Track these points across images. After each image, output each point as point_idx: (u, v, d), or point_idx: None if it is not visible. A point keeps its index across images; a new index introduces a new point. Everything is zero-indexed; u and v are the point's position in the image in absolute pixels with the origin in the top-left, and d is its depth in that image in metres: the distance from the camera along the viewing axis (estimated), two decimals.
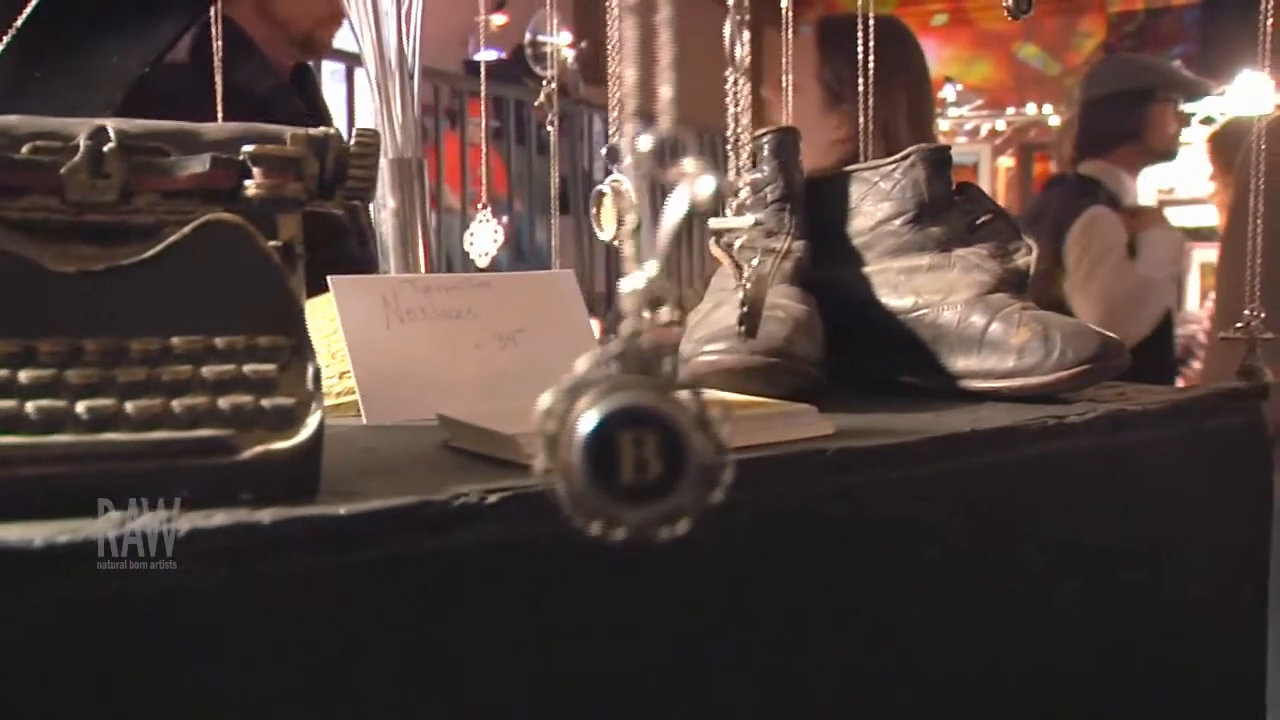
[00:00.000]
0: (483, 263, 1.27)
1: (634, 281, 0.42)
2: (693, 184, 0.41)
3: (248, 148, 0.69)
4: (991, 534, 0.81)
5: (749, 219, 0.76)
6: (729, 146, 0.76)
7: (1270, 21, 1.07)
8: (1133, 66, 3.38)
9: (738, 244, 0.73)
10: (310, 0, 1.89)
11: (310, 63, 2.02)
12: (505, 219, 4.34)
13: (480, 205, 1.28)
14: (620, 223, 0.81)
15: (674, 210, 0.42)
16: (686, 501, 0.42)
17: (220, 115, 1.21)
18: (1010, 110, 5.97)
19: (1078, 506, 0.86)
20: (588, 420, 0.42)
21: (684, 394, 0.42)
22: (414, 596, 0.58)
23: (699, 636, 0.68)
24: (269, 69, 1.90)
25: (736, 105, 0.75)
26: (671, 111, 0.41)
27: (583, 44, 4.26)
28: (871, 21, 1.25)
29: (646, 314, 0.43)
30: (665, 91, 0.41)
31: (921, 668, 0.79)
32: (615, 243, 0.84)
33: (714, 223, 0.77)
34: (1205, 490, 0.94)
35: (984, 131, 6.02)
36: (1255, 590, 0.99)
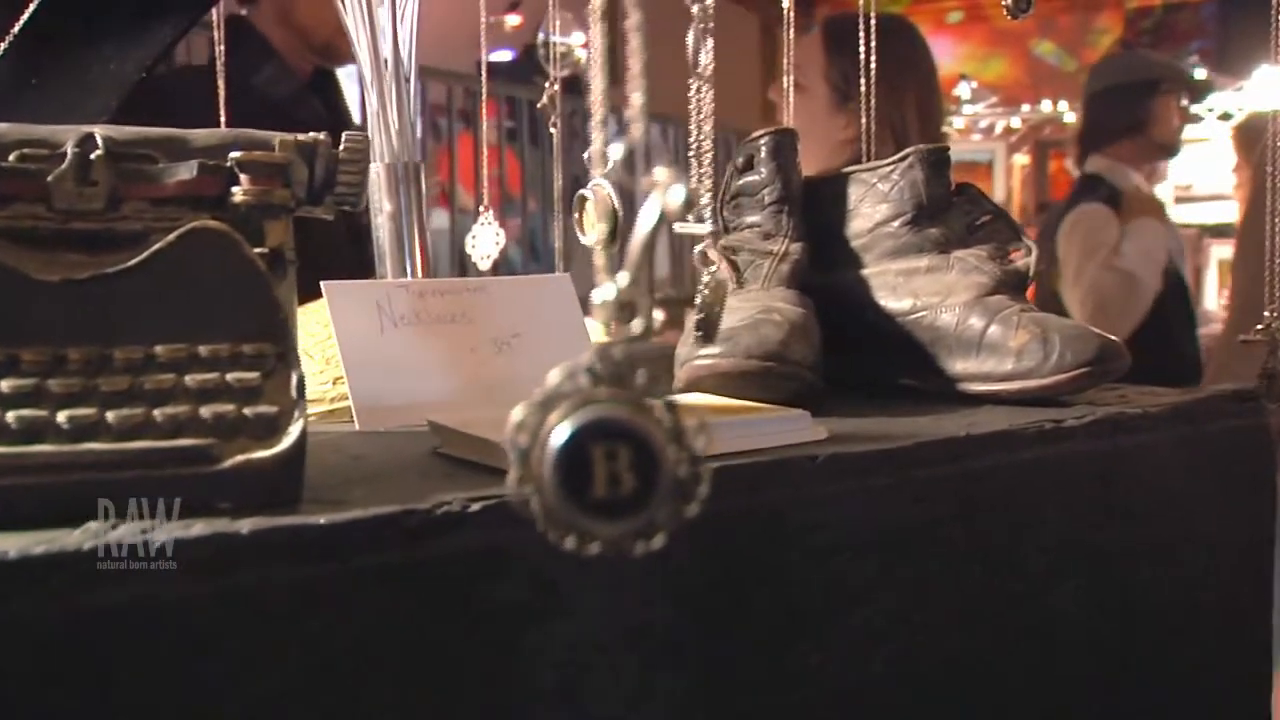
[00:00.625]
0: (485, 265, 1.27)
1: (605, 292, 0.42)
2: (664, 193, 0.41)
3: (235, 154, 0.69)
4: (990, 537, 0.81)
5: (708, 225, 0.76)
6: (691, 154, 0.76)
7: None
8: (1137, 60, 3.37)
9: (697, 249, 0.72)
10: (330, 9, 1.90)
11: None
12: (519, 220, 4.34)
13: (483, 207, 1.28)
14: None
15: (645, 220, 0.42)
16: (661, 516, 0.42)
17: (224, 119, 1.21)
18: (1025, 107, 5.94)
19: (1078, 509, 0.86)
20: (559, 434, 0.41)
21: (658, 406, 0.42)
22: (397, 606, 0.58)
23: (692, 640, 0.68)
24: (288, 73, 1.91)
25: (699, 113, 0.74)
26: (642, 118, 0.40)
27: None
28: (875, 21, 1.25)
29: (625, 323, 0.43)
30: (636, 99, 0.40)
31: (920, 669, 0.78)
32: (599, 248, 0.83)
33: (677, 227, 0.76)
34: (1207, 492, 0.93)
35: (999, 129, 5.99)
36: (1259, 592, 0.98)
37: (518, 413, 0.42)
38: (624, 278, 0.41)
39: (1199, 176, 5.00)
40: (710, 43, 0.67)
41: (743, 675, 0.70)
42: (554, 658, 0.63)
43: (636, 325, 0.42)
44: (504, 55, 4.63)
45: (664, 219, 0.41)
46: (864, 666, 0.75)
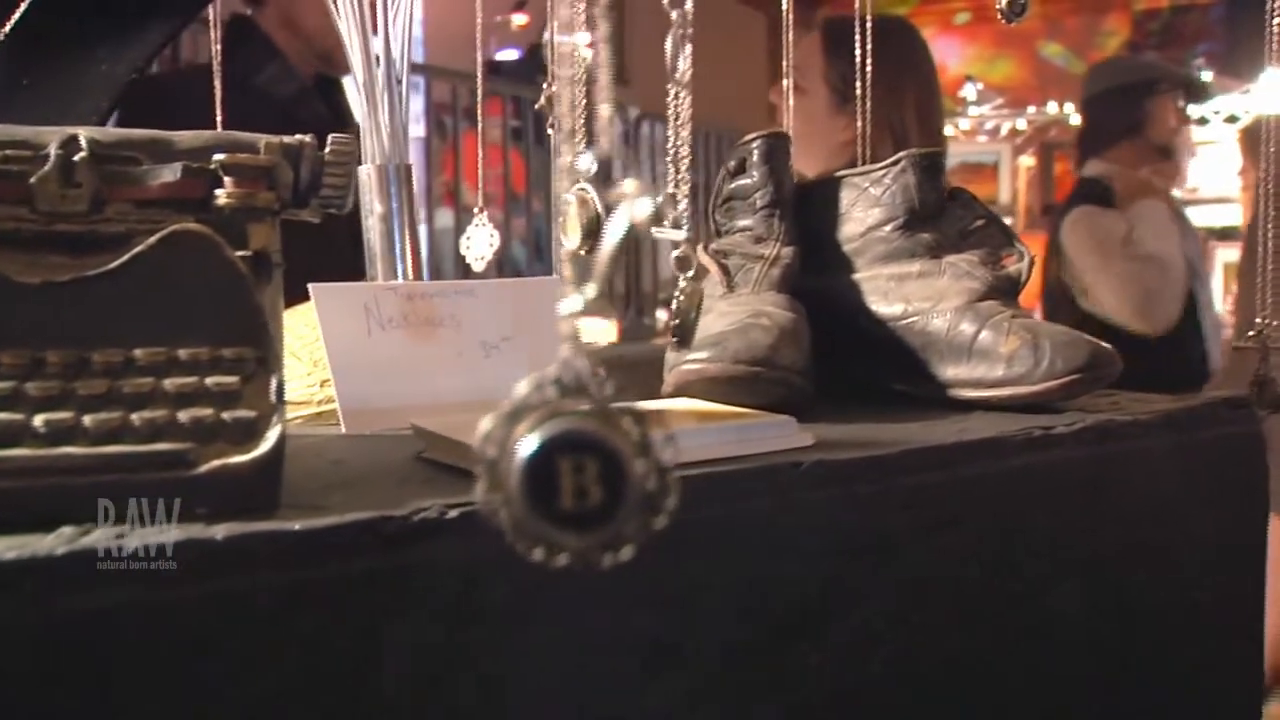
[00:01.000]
0: (479, 267, 1.27)
1: (572, 303, 0.42)
2: (632, 205, 0.41)
3: (219, 156, 0.69)
4: (980, 544, 0.81)
5: (685, 231, 0.76)
6: (668, 159, 0.76)
7: (1277, 22, 1.06)
8: (1131, 62, 3.38)
9: (673, 255, 0.72)
10: (333, 17, 1.90)
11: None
12: (524, 219, 4.35)
13: (478, 209, 1.27)
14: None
15: (614, 232, 0.41)
16: (629, 528, 0.42)
17: (221, 118, 1.21)
18: (1031, 109, 5.93)
19: (1069, 516, 0.85)
20: (526, 446, 0.41)
21: (626, 418, 0.42)
22: (375, 613, 0.58)
23: (673, 647, 0.68)
24: (292, 74, 1.92)
25: (677, 119, 0.74)
26: (610, 130, 0.40)
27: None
28: (875, 22, 1.25)
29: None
30: (604, 110, 0.40)
31: (914, 673, 0.78)
32: (582, 252, 0.84)
33: (654, 233, 0.76)
34: (1200, 499, 0.93)
35: (1005, 131, 5.98)
36: (1252, 597, 0.97)
37: (486, 424, 0.42)
38: (591, 289, 0.41)
39: (1205, 179, 4.99)
40: (688, 49, 0.66)
41: (736, 677, 0.70)
42: (538, 664, 0.63)
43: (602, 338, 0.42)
44: (510, 54, 4.64)
45: (632, 231, 0.40)
46: (860, 668, 0.75)
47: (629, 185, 0.41)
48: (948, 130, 5.51)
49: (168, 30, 1.05)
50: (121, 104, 1.62)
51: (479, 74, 1.31)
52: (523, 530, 0.42)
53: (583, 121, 1.29)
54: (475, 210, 1.26)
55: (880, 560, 0.76)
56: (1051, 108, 5.83)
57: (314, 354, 0.90)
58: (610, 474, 0.41)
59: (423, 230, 3.46)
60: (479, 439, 0.42)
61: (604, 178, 0.43)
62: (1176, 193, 3.01)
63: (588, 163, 0.42)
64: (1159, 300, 2.52)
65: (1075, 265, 2.64)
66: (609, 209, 0.42)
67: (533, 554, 0.43)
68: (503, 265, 4.01)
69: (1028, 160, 6.04)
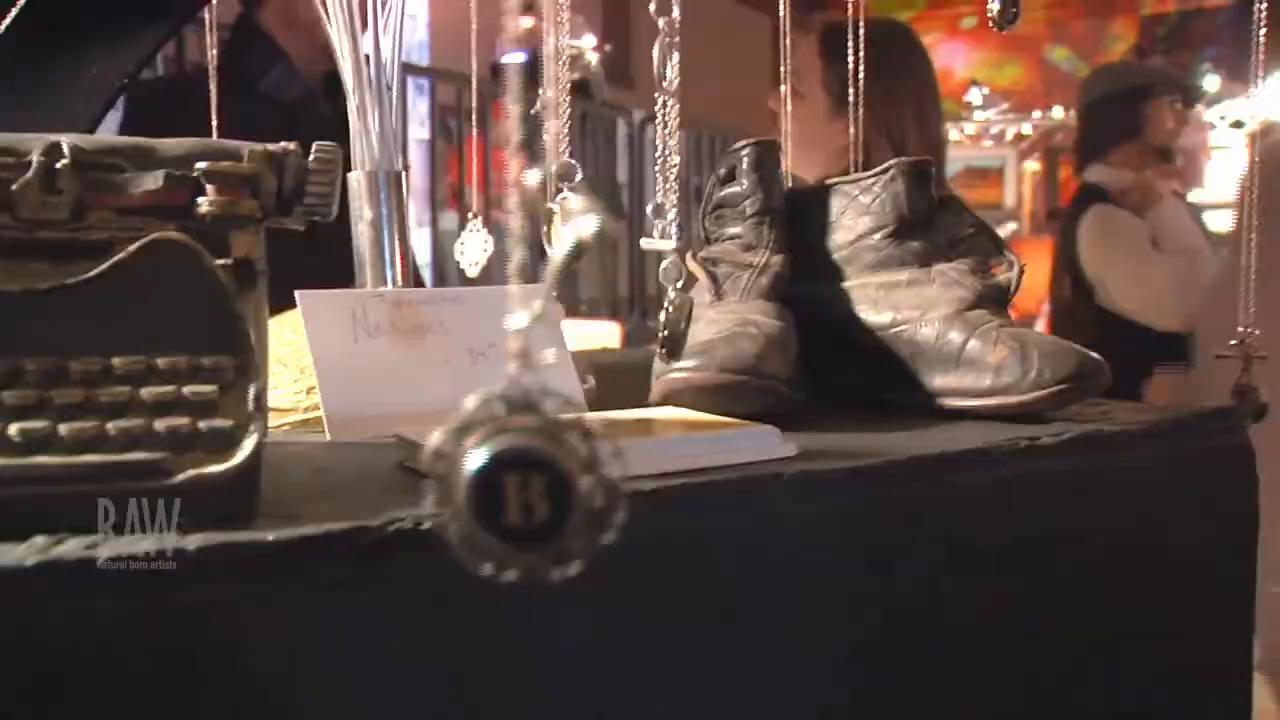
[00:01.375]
0: (473, 272, 1.27)
1: (519, 320, 0.42)
2: (578, 223, 0.41)
3: (201, 164, 0.69)
4: (964, 554, 0.80)
5: (673, 241, 0.76)
6: (657, 168, 0.76)
7: (1264, 32, 1.05)
8: (1127, 68, 3.38)
9: (663, 265, 0.72)
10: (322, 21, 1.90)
11: None
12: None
13: (472, 215, 1.27)
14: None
15: (559, 248, 0.42)
16: (576, 544, 0.42)
17: (218, 122, 1.21)
18: (1037, 114, 5.93)
19: (1055, 526, 0.85)
20: (473, 461, 0.41)
21: (572, 434, 0.42)
22: (350, 622, 0.57)
23: (656, 657, 0.67)
24: (296, 77, 1.92)
25: (665, 127, 0.74)
26: (558, 145, 0.40)
27: (607, 47, 4.26)
28: (873, 27, 1.25)
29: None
30: (553, 126, 0.40)
31: (894, 687, 0.78)
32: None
33: (644, 243, 0.76)
34: (1187, 509, 0.92)
35: (1010, 135, 5.98)
36: (1240, 606, 0.97)
37: (435, 439, 0.42)
38: (538, 305, 0.41)
39: (1210, 184, 4.98)
40: (676, 57, 0.66)
41: (710, 695, 0.70)
42: (514, 675, 0.62)
43: (548, 355, 0.42)
44: (517, 57, 4.62)
45: (579, 248, 0.40)
46: (841, 682, 0.75)
47: (575, 202, 0.41)
48: (953, 135, 5.51)
49: (161, 34, 1.05)
50: (128, 106, 1.62)
51: (473, 80, 1.31)
52: (471, 545, 0.42)
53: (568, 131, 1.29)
54: (470, 216, 1.26)
55: (864, 571, 0.75)
56: (1057, 112, 5.82)
57: (300, 361, 0.90)
58: (556, 490, 0.42)
59: (427, 233, 3.47)
60: (427, 455, 0.42)
61: (548, 192, 0.43)
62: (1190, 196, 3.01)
63: (535, 178, 0.42)
64: (1190, 296, 2.53)
65: (1095, 263, 2.64)
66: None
67: (481, 569, 0.43)
68: (504, 267, 4.01)
69: (1033, 165, 6.04)
